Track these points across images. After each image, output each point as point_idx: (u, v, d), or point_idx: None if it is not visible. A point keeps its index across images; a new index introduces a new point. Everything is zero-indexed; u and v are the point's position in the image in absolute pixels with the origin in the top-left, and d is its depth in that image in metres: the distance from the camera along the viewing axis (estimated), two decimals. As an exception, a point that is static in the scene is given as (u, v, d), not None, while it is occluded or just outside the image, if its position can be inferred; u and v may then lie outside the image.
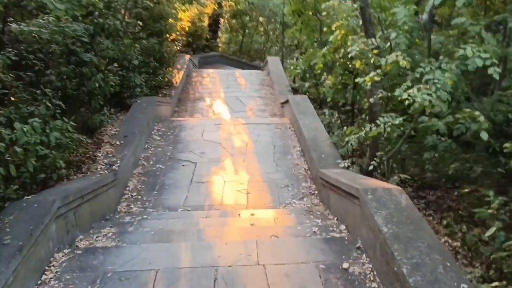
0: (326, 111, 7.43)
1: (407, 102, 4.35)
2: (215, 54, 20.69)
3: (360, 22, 5.83)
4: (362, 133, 5.34)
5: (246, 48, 24.93)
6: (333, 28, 6.24)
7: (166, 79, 11.37)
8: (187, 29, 17.45)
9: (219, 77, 14.58)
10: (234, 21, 22.71)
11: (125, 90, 8.56)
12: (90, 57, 5.55)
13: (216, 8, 20.43)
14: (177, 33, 15.77)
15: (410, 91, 4.33)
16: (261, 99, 12.44)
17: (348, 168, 5.77)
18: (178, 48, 15.00)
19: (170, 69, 12.12)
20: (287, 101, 9.58)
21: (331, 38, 6.19)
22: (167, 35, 12.15)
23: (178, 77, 12.61)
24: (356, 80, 5.94)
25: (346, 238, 4.24)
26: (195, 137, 8.20)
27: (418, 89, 4.29)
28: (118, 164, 5.85)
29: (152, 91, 10.12)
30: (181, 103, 11.93)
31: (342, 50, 5.73)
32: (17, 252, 3.11)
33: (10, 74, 5.05)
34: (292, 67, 12.04)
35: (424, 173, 5.97)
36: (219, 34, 24.15)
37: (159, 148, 7.62)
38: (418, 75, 4.50)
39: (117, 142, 6.57)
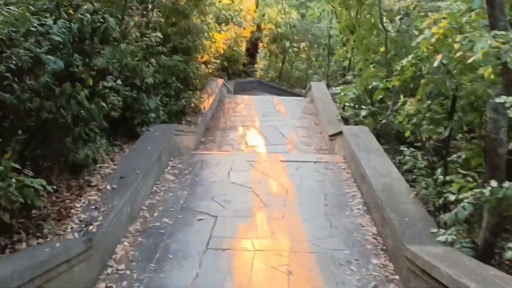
0: (402, 148, 5.32)
1: None
2: (252, 80, 19.08)
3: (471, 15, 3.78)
4: (486, 192, 3.17)
5: (286, 75, 23.24)
6: (424, 25, 4.21)
7: (193, 104, 9.65)
8: (222, 51, 15.95)
9: (254, 104, 12.75)
10: (274, 46, 21.14)
11: (136, 115, 6.83)
12: (60, 64, 3.79)
13: (254, 30, 18.93)
14: (210, 54, 14.26)
15: None
16: (304, 129, 10.42)
17: (452, 245, 3.57)
18: (210, 71, 13.40)
19: (199, 93, 10.42)
20: (339, 133, 7.51)
21: (419, 39, 4.14)
22: (197, 55, 10.52)
23: (207, 102, 10.89)
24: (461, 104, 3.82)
25: None
26: (220, 177, 6.25)
27: None
28: (99, 223, 3.96)
29: (173, 117, 8.38)
30: (209, 132, 10.12)
31: (439, 57, 3.71)
32: None
33: None
34: (342, 93, 10.01)
35: None
36: (257, 59, 22.65)
37: (170, 192, 5.70)
38: None
39: (108, 186, 4.72)
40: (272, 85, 19.88)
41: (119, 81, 5.76)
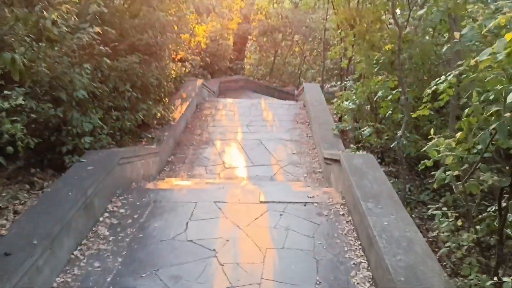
0: (433, 210, 3.66)
1: None
2: (239, 78, 17.28)
3: None
4: None
5: (278, 71, 21.45)
6: (493, 25, 2.51)
7: (159, 114, 7.90)
8: (204, 46, 14.14)
9: (238, 110, 11.02)
10: (264, 39, 19.34)
11: (65, 140, 5.08)
12: None
13: (242, 22, 17.09)
14: (188, 51, 12.46)
15: None
16: (295, 144, 8.73)
17: None
18: (187, 70, 11.62)
19: (167, 100, 8.66)
20: (337, 161, 5.82)
21: (485, 54, 2.45)
22: (164, 53, 8.72)
23: (180, 110, 9.14)
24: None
25: None
26: (174, 231, 4.54)
27: None
28: None
29: (127, 135, 6.63)
30: (180, 149, 8.39)
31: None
32: None
33: None
34: (339, 101, 8.31)
35: None
36: (246, 54, 20.82)
37: (97, 260, 3.99)
38: None
39: (-22, 275, 3.01)
40: (262, 84, 18.13)
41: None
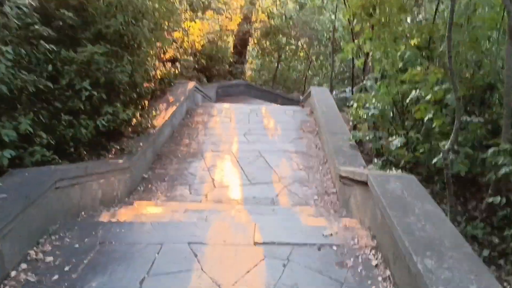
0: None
1: None
2: (239, 83, 15.80)
3: None
4: None
5: (281, 77, 20.01)
6: None
7: (135, 120, 6.38)
8: (199, 47, 12.69)
9: (236, 117, 9.49)
10: (267, 41, 17.91)
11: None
12: None
13: (243, 22, 15.66)
14: (179, 49, 11.01)
15: None
16: (301, 157, 7.17)
17: None
18: (177, 71, 10.14)
19: (146, 103, 7.15)
20: (359, 182, 4.24)
21: None
22: (147, 48, 7.23)
23: (163, 116, 7.62)
24: None
25: None
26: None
27: None
28: None
29: (83, 147, 5.10)
30: (161, 162, 6.85)
31: None
32: None
33: None
34: (356, 105, 6.75)
35: None
36: (247, 57, 19.39)
37: None
38: None
39: None
40: (264, 89, 16.64)
41: None
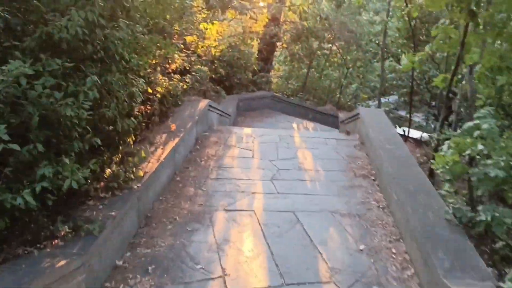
0: None
1: None
2: (264, 95, 13.47)
3: None
4: None
5: (311, 85, 17.59)
6: None
7: (108, 171, 4.15)
8: (216, 53, 10.46)
9: (260, 148, 7.18)
10: (297, 46, 15.51)
11: None
12: None
13: (268, 22, 13.34)
14: (191, 57, 8.82)
15: None
16: (357, 223, 4.79)
17: None
18: (186, 86, 7.91)
19: (130, 139, 4.92)
20: None
21: None
22: (139, 59, 4.99)
23: (158, 156, 5.37)
24: None
25: None
26: None
27: None
28: None
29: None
30: (149, 233, 4.56)
31: None
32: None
33: None
34: (450, 152, 4.29)
35: None
36: (274, 65, 17.06)
37: None
38: None
39: None
40: (293, 102, 14.26)
41: None
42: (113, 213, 3.94)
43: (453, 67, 5.43)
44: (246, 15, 11.14)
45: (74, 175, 3.28)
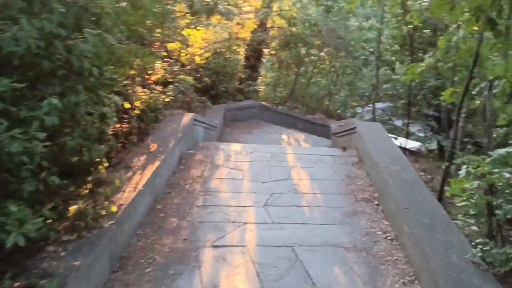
0: None
1: None
2: (251, 104, 12.87)
3: None
4: None
5: (299, 93, 17.08)
6: None
7: (73, 209, 3.46)
8: (201, 61, 9.83)
9: (250, 167, 6.56)
10: (285, 52, 14.98)
11: None
12: None
13: (257, 29, 12.78)
14: (172, 68, 8.17)
15: None
16: (363, 261, 4.18)
17: None
18: (167, 99, 7.25)
19: (102, 167, 4.23)
20: None
21: None
22: (113, 72, 4.34)
23: (135, 183, 4.69)
24: None
25: None
26: None
27: None
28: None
29: None
30: (122, 282, 3.87)
31: None
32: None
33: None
34: (475, 171, 3.73)
35: None
36: (261, 72, 16.51)
37: None
38: None
39: None
40: (281, 112, 13.69)
41: None
42: (77, 263, 3.26)
43: (463, 80, 4.92)
44: (232, 20, 10.53)
45: (23, 226, 2.60)
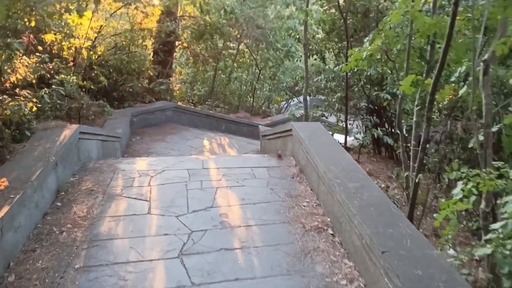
0: None
1: None
2: (164, 106, 11.02)
3: None
4: None
5: (220, 90, 15.55)
6: None
7: None
8: (92, 56, 7.81)
9: (158, 192, 4.85)
10: (200, 45, 13.28)
11: None
12: None
13: (161, 14, 10.95)
14: (52, 62, 6.16)
15: None
16: None
17: None
18: (35, 108, 5.24)
19: None
20: None
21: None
22: None
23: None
24: None
25: None
26: None
27: None
28: None
29: None
30: None
31: None
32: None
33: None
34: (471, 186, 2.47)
35: None
36: (175, 68, 14.65)
37: None
38: None
39: None
40: (201, 113, 12.03)
41: None
42: None
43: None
44: (132, 6, 8.61)
45: None
